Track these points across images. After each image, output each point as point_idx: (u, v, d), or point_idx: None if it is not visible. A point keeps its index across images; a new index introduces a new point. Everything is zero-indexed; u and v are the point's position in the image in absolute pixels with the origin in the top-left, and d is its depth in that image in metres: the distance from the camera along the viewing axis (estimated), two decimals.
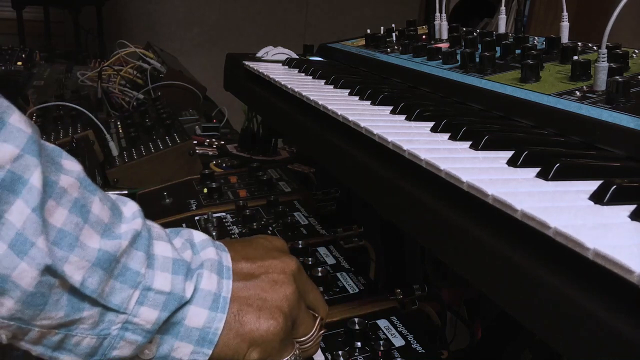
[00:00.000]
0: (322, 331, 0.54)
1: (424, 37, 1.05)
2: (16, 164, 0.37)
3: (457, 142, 0.54)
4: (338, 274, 0.73)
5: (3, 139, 0.37)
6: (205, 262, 0.47)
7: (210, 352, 0.46)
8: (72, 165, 0.42)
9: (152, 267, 0.44)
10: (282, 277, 0.50)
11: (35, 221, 0.37)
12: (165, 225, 0.90)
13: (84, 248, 0.40)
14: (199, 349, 0.46)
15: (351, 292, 0.69)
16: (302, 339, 0.52)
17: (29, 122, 0.39)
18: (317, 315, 0.54)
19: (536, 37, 0.85)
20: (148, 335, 0.44)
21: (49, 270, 0.38)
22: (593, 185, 0.39)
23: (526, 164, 0.46)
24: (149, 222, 0.47)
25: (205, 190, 0.98)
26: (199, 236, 0.50)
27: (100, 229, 0.42)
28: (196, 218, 0.88)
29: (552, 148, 0.51)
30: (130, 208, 0.46)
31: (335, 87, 0.83)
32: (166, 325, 0.45)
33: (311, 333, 0.52)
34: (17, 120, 0.39)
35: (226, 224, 0.86)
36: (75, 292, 0.40)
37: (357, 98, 0.75)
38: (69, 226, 0.40)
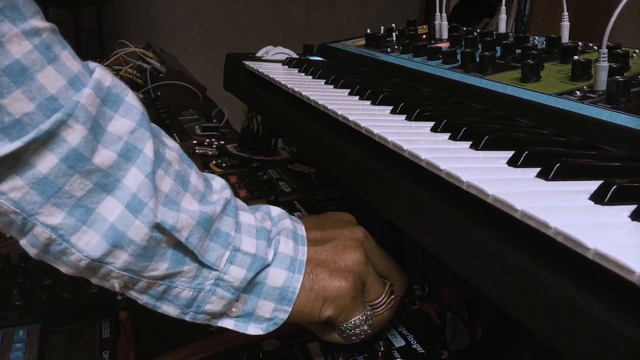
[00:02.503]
0: (393, 296, 0.57)
1: (424, 36, 1.05)
2: (132, 136, 0.43)
3: (458, 142, 0.54)
4: None
5: (122, 114, 0.43)
6: (283, 231, 0.53)
7: (289, 309, 0.51)
8: (172, 142, 0.49)
9: (240, 231, 0.50)
10: (350, 243, 0.55)
11: (147, 185, 0.43)
12: None
13: (187, 211, 0.46)
14: (280, 307, 0.51)
15: None
16: (373, 303, 0.56)
17: (140, 102, 0.45)
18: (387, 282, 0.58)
19: (536, 37, 0.85)
20: (236, 292, 0.49)
21: (159, 228, 0.44)
22: (593, 185, 0.39)
23: (526, 164, 0.46)
24: (234, 196, 0.53)
25: None
26: (276, 210, 0.57)
27: (198, 196, 0.48)
28: None
29: (552, 148, 0.51)
30: (219, 182, 0.53)
31: (335, 87, 0.83)
32: (250, 285, 0.50)
33: (381, 297, 0.56)
34: (132, 98, 0.45)
35: None
36: (179, 248, 0.46)
37: (357, 98, 0.75)
38: (174, 192, 0.46)
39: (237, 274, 0.49)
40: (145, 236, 0.43)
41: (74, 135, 0.40)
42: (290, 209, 0.91)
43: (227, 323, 0.51)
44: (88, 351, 0.63)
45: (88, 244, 0.43)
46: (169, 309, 0.49)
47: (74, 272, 0.45)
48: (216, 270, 0.48)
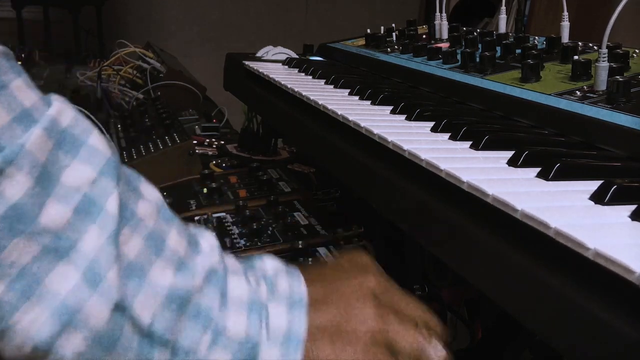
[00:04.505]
0: (434, 340, 0.46)
1: (424, 36, 1.05)
2: (93, 187, 0.36)
3: (458, 142, 0.54)
4: None
5: (81, 160, 0.36)
6: (277, 296, 0.43)
7: None
8: (151, 192, 0.41)
9: (226, 308, 0.41)
10: (359, 296, 0.45)
11: (109, 250, 0.35)
12: None
13: (155, 284, 0.38)
14: None
15: None
16: (412, 355, 0.45)
17: (108, 143, 0.38)
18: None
19: (536, 37, 0.85)
20: None
21: (118, 307, 0.36)
22: (593, 185, 0.39)
23: (526, 164, 0.46)
24: (226, 256, 0.44)
25: (205, 190, 0.98)
26: (271, 264, 0.46)
27: (175, 263, 0.39)
28: (196, 218, 0.88)
29: (552, 148, 0.51)
30: (208, 241, 0.43)
31: (335, 87, 0.83)
32: None
33: (414, 346, 0.45)
34: (96, 140, 0.37)
35: (226, 224, 0.86)
36: (145, 333, 0.37)
37: (357, 98, 0.75)
38: (141, 258, 0.37)
39: (221, 359, 0.40)
40: (104, 317, 0.35)
41: (15, 188, 0.33)
42: (290, 209, 0.91)
43: None
44: None
45: (33, 322, 0.34)
46: None
47: (18, 357, 0.35)
48: (194, 356, 0.39)
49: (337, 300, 0.44)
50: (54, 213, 0.34)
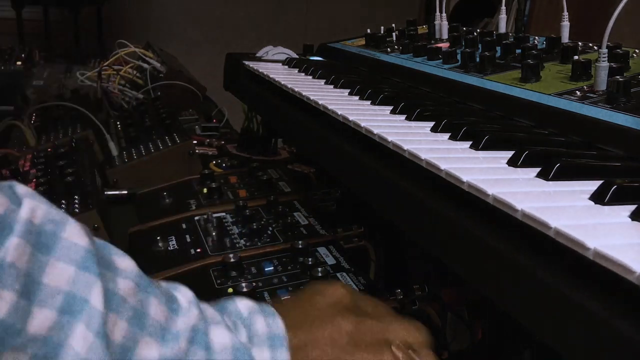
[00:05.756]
0: (409, 351, 0.47)
1: (424, 36, 1.05)
2: (74, 284, 0.35)
3: (458, 142, 0.54)
4: (338, 274, 0.73)
5: (59, 257, 0.35)
6: (255, 337, 0.44)
7: None
8: (125, 264, 0.40)
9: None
10: (334, 346, 0.46)
11: (98, 346, 0.35)
12: (165, 225, 0.90)
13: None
14: None
15: None
16: None
17: (84, 231, 0.38)
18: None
19: (536, 37, 0.85)
20: None
21: None
22: (593, 185, 0.39)
23: (526, 164, 0.46)
24: (202, 306, 0.44)
25: (205, 190, 0.98)
26: (244, 306, 0.46)
27: (159, 334, 0.40)
28: (196, 218, 0.88)
29: (552, 148, 0.51)
30: (185, 296, 0.43)
31: (335, 87, 0.83)
32: None
33: None
34: (71, 232, 0.37)
35: (226, 224, 0.86)
36: None
37: (357, 98, 0.75)
38: (129, 340, 0.38)
39: None
40: None
41: (1, 305, 0.32)
42: (290, 209, 0.91)
43: None
44: None
45: None
46: None
47: None
48: None
49: (312, 348, 0.45)
50: (40, 319, 0.34)
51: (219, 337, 0.42)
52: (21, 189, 0.36)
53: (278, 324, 0.45)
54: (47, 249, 0.35)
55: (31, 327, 0.34)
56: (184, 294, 0.43)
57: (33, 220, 0.35)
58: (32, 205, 0.35)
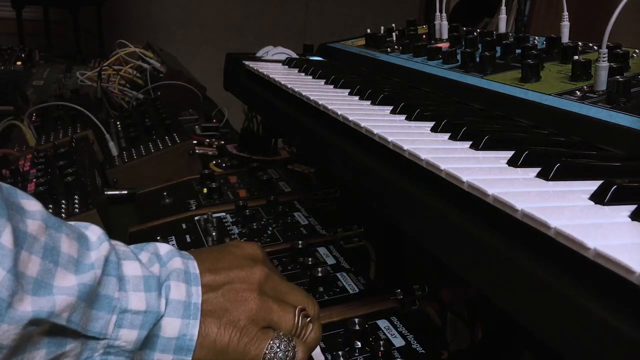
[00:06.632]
0: (308, 319, 0.53)
1: (424, 36, 1.05)
2: None
3: (458, 142, 0.54)
4: (338, 274, 0.73)
5: None
6: (173, 273, 0.48)
7: (189, 358, 0.47)
8: (33, 205, 0.42)
9: (125, 289, 0.45)
10: (245, 287, 0.51)
11: (9, 280, 0.37)
12: (165, 225, 0.90)
13: (63, 289, 0.41)
14: (179, 357, 0.47)
15: (351, 292, 0.69)
16: (290, 333, 0.52)
17: None
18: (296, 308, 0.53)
19: (536, 37, 0.85)
20: (131, 355, 0.45)
21: (33, 322, 0.39)
22: (593, 185, 0.39)
23: (526, 164, 0.46)
24: (114, 242, 0.47)
25: (205, 190, 0.98)
26: (164, 248, 0.51)
27: (73, 265, 0.42)
28: (196, 218, 0.88)
29: (552, 148, 0.51)
30: (95, 232, 0.46)
31: (335, 87, 0.83)
32: (145, 341, 0.45)
33: (294, 326, 0.52)
34: None
35: (226, 224, 0.86)
36: (57, 331, 0.41)
37: (357, 98, 0.75)
38: (44, 273, 0.40)
39: (128, 336, 0.44)
40: (16, 336, 0.38)
41: None
42: (290, 209, 0.91)
43: None
44: None
45: None
46: None
47: None
48: (104, 338, 0.43)
49: (226, 290, 0.50)
50: None
51: (130, 269, 0.46)
52: None
53: (194, 265, 0.50)
54: None
55: None
56: (93, 231, 0.46)
57: None
58: None
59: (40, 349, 0.41)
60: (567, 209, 0.37)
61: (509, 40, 0.83)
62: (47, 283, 0.40)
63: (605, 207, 0.37)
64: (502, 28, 0.92)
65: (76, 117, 1.32)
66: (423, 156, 0.47)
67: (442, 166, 0.44)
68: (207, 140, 1.38)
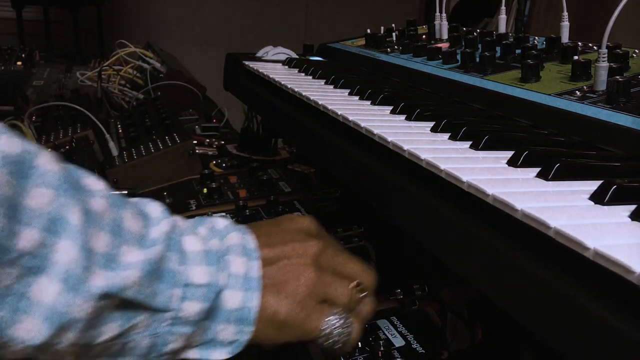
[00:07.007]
0: (364, 294, 0.54)
1: (424, 37, 1.05)
2: (54, 205, 0.40)
3: (458, 142, 0.54)
4: None
5: (36, 183, 0.39)
6: (231, 247, 0.50)
7: (251, 328, 0.49)
8: (97, 184, 0.45)
9: (186, 263, 0.47)
10: (301, 261, 0.52)
11: (82, 256, 0.40)
12: None
13: (130, 265, 0.43)
14: (241, 328, 0.49)
15: None
16: (344, 308, 0.53)
17: (55, 158, 0.41)
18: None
19: (536, 37, 0.85)
20: (195, 325, 0.47)
21: (105, 296, 0.41)
22: (593, 185, 0.39)
23: (526, 164, 0.46)
24: (174, 218, 0.49)
25: (205, 190, 0.98)
26: (221, 222, 0.52)
27: (137, 241, 0.44)
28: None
29: (552, 148, 0.51)
30: (155, 209, 0.48)
31: (335, 87, 0.83)
32: (208, 313, 0.47)
33: (349, 299, 0.53)
34: (45, 160, 0.41)
35: None
36: (128, 304, 0.43)
37: (357, 98, 0.75)
38: (112, 249, 0.42)
39: (192, 308, 0.46)
40: (91, 309, 0.40)
41: None
42: (290, 209, 0.91)
43: (190, 353, 0.49)
44: None
45: (29, 332, 0.39)
46: None
47: (22, 357, 0.41)
48: (170, 311, 0.45)
49: (283, 265, 0.51)
50: (27, 238, 0.38)
51: (191, 244, 0.48)
52: None
53: (251, 240, 0.51)
54: (26, 176, 0.39)
55: (19, 245, 0.38)
56: (154, 207, 0.48)
57: (9, 152, 0.38)
58: (7, 140, 0.39)
59: (112, 322, 0.43)
60: (567, 209, 0.37)
61: (508, 40, 0.83)
62: (115, 259, 0.42)
63: (605, 207, 0.37)
64: (502, 28, 0.92)
65: (76, 117, 1.32)
66: (423, 156, 0.47)
67: (442, 166, 0.44)
68: (207, 140, 1.38)
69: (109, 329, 0.43)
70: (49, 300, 0.39)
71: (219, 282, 0.47)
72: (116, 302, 0.42)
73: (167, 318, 0.45)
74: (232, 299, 0.48)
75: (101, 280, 0.41)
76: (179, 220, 0.50)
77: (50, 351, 0.41)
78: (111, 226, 0.43)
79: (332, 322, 0.51)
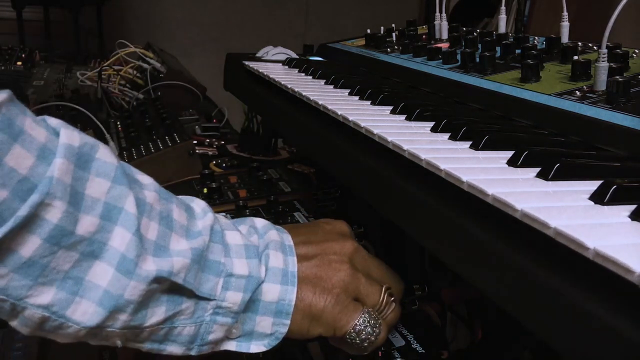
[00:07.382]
0: (392, 299, 0.56)
1: (424, 37, 1.05)
2: (110, 195, 0.43)
3: (457, 142, 0.54)
4: None
5: (96, 173, 0.42)
6: (270, 243, 0.52)
7: (288, 321, 0.51)
8: (146, 179, 0.48)
9: (229, 255, 0.49)
10: (338, 259, 0.54)
11: (135, 242, 0.43)
12: None
13: (178, 252, 0.46)
14: (278, 321, 0.51)
15: None
16: (374, 308, 0.55)
17: (113, 152, 0.45)
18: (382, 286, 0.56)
19: (536, 37, 0.85)
20: (236, 316, 0.49)
21: (156, 280, 0.44)
22: (593, 185, 0.39)
23: (526, 163, 0.46)
24: (216, 215, 0.52)
25: (205, 190, 0.98)
26: (260, 222, 0.56)
27: (184, 232, 0.48)
28: None
29: (552, 148, 0.51)
30: (199, 205, 0.52)
31: (335, 87, 0.83)
32: (247, 305, 0.50)
33: (379, 301, 0.55)
34: (103, 153, 0.44)
35: None
36: (175, 289, 0.46)
37: (357, 98, 0.75)
38: (161, 237, 0.46)
39: (234, 298, 0.49)
40: (143, 292, 0.43)
41: (54, 212, 0.39)
42: (290, 209, 0.91)
43: (229, 345, 0.51)
44: (88, 351, 0.63)
45: (84, 314, 0.42)
46: (174, 349, 0.49)
47: (72, 341, 0.44)
48: (213, 299, 0.48)
49: (319, 260, 0.54)
50: (86, 224, 0.41)
51: (233, 238, 0.51)
52: (53, 121, 0.43)
53: (289, 238, 0.54)
54: (86, 165, 0.42)
55: (79, 230, 0.41)
56: (198, 203, 0.52)
57: (72, 144, 0.41)
58: (68, 133, 0.42)
59: (161, 306, 0.46)
60: (567, 208, 0.37)
61: (508, 40, 0.83)
62: (165, 246, 0.46)
63: (605, 207, 0.37)
64: (502, 28, 0.92)
65: (76, 117, 1.32)
66: (423, 156, 0.47)
67: (442, 166, 0.44)
68: (207, 140, 1.38)
69: (157, 313, 0.45)
70: (104, 284, 0.42)
71: (259, 275, 0.50)
72: (165, 286, 0.45)
73: (210, 307, 0.48)
74: (270, 292, 0.50)
75: (152, 265, 0.43)
76: (220, 217, 0.53)
77: (101, 335, 0.44)
78: (161, 216, 0.46)
79: (364, 321, 0.53)
